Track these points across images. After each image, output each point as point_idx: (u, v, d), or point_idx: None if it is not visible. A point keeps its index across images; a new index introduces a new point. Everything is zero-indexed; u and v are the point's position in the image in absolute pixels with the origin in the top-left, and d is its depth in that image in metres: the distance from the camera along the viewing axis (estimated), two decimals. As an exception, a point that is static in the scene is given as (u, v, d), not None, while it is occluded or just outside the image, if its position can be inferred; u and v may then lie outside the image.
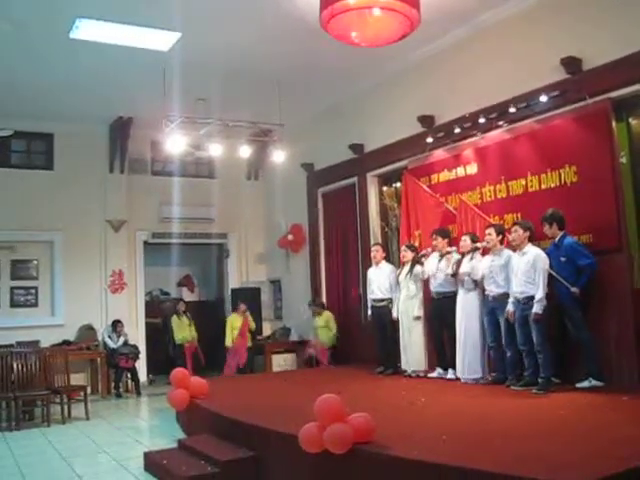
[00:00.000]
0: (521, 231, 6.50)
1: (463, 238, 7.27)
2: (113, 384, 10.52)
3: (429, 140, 8.36)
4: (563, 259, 6.27)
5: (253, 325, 10.83)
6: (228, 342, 10.48)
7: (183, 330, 11.09)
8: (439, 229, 7.87)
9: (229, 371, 10.30)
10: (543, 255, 6.33)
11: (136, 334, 11.24)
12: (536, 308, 6.15)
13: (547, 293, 6.20)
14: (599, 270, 6.19)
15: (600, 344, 6.18)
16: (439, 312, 7.59)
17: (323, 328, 10.08)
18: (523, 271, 6.36)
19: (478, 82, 7.75)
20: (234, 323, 10.61)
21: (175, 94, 8.84)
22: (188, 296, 13.91)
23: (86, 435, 7.20)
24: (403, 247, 8.22)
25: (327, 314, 10.21)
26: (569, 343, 6.37)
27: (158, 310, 12.84)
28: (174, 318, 11.22)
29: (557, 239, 6.42)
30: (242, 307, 10.74)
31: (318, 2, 5.79)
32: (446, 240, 7.67)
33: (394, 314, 8.09)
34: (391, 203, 9.70)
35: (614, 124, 6.36)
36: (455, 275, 7.23)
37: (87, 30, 7.42)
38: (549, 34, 6.93)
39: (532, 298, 6.21)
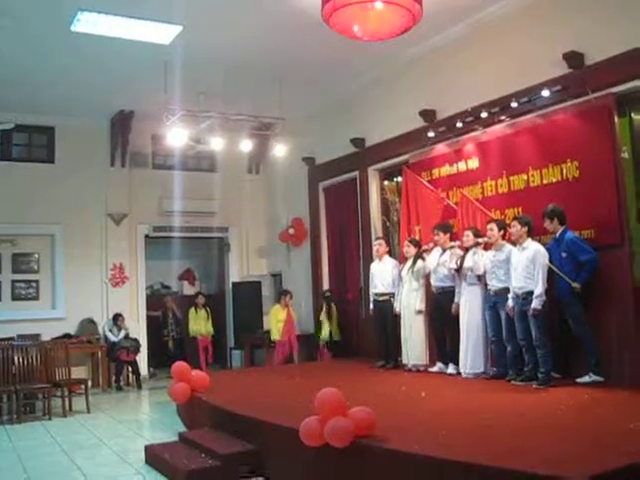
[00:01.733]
0: (519, 226, 6.51)
1: (466, 233, 7.26)
2: (114, 377, 10.55)
3: (430, 134, 8.34)
4: (564, 254, 6.26)
5: (295, 315, 10.55)
6: (275, 335, 10.21)
7: (198, 323, 11.18)
8: (441, 224, 7.86)
9: (277, 362, 10.13)
10: (543, 250, 6.33)
11: (137, 327, 11.26)
12: (535, 303, 6.16)
13: (547, 288, 6.21)
14: (600, 265, 6.18)
15: (601, 339, 6.17)
16: (439, 307, 7.63)
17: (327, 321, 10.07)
18: (523, 266, 6.37)
19: (480, 76, 7.73)
20: (278, 315, 10.34)
21: (176, 87, 8.84)
22: (188, 289, 13.94)
23: (87, 428, 7.21)
24: (406, 242, 8.21)
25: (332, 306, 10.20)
26: (570, 338, 6.37)
27: (159, 303, 12.85)
28: (191, 311, 11.33)
29: (558, 234, 6.41)
30: (287, 298, 10.42)
31: (320, -4, 5.78)
32: (447, 235, 7.66)
33: (396, 309, 8.11)
34: (392, 197, 9.70)
35: (616, 119, 6.34)
36: (459, 270, 7.25)
37: (88, 23, 7.40)
38: (551, 29, 6.91)
39: (531, 293, 6.22)
